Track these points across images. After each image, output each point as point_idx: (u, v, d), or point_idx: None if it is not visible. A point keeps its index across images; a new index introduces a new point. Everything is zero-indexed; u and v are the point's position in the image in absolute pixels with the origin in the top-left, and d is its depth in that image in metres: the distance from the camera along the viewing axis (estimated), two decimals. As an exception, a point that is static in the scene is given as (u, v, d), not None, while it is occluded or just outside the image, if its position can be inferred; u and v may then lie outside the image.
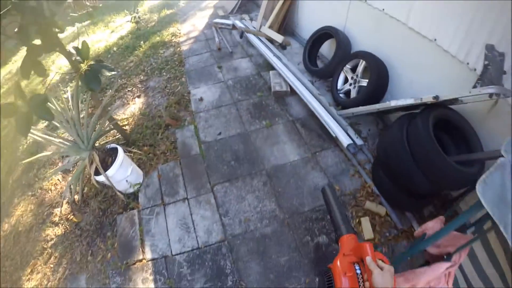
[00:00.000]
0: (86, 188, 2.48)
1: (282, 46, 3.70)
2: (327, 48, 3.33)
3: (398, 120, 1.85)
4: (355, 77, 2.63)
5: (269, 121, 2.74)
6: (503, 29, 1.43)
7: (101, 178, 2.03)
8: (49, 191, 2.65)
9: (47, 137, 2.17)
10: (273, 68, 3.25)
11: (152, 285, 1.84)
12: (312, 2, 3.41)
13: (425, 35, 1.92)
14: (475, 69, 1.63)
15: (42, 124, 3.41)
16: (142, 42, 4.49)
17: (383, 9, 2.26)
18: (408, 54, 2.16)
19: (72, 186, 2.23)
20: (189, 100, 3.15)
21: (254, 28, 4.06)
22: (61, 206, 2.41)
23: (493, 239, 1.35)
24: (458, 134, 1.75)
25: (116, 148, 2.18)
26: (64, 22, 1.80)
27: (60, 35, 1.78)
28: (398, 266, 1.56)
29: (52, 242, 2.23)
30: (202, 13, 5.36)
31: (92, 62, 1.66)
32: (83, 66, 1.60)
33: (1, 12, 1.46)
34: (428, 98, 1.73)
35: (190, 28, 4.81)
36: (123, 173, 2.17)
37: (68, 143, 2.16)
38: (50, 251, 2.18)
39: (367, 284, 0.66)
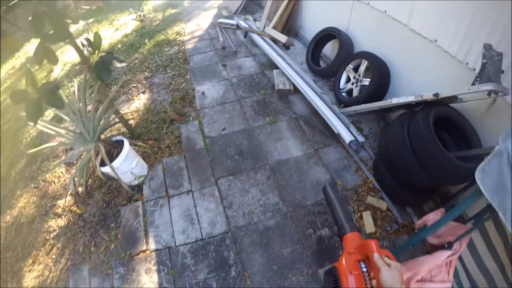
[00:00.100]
0: (90, 180, 2.49)
1: (286, 47, 3.77)
2: (330, 49, 3.40)
3: (399, 117, 1.89)
4: (357, 76, 2.69)
5: (273, 117, 2.79)
6: (503, 29, 1.48)
7: (106, 169, 2.05)
8: (52, 184, 2.66)
9: (53, 127, 2.19)
10: (276, 67, 3.31)
11: (155, 275, 1.85)
12: (316, 4, 3.48)
13: (425, 36, 1.98)
14: (474, 69, 1.68)
15: (47, 118, 3.43)
16: (146, 40, 4.54)
17: (385, 11, 2.33)
18: (409, 54, 2.22)
19: (76, 178, 2.24)
20: (194, 97, 3.19)
21: (258, 28, 4.14)
22: (67, 195, 2.42)
23: (493, 232, 1.36)
24: (458, 132, 1.79)
25: (122, 141, 2.21)
26: (76, 15, 1.84)
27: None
28: (400, 257, 1.60)
29: (55, 233, 2.23)
30: (206, 13, 5.44)
31: (103, 54, 1.70)
32: (95, 57, 1.64)
33: (12, 2, 1.50)
34: (428, 96, 1.78)
35: (194, 27, 4.88)
36: (128, 165, 2.20)
37: (74, 135, 2.18)
38: (52, 242, 2.18)
39: (374, 282, 0.64)
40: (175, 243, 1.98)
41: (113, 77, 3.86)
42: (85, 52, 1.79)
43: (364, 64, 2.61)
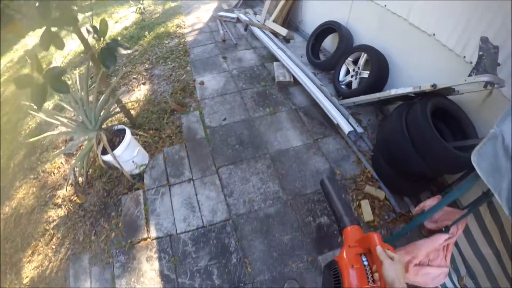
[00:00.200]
0: (90, 170, 2.49)
1: (286, 40, 3.78)
2: (330, 42, 3.42)
3: (398, 108, 1.92)
4: (356, 69, 2.72)
5: (273, 108, 2.82)
6: (500, 24, 1.50)
7: (108, 157, 2.06)
8: (52, 174, 2.65)
9: (56, 116, 2.19)
10: (276, 59, 3.32)
11: (156, 262, 1.87)
12: (317, -3, 3.49)
13: (424, 30, 2.00)
14: (471, 62, 1.70)
15: (48, 108, 3.41)
16: (146, 33, 4.51)
17: (385, 5, 2.35)
18: (407, 48, 2.25)
19: (76, 168, 2.23)
20: (194, 88, 3.20)
21: (258, 22, 4.14)
22: (67, 185, 2.41)
23: (488, 219, 1.40)
24: (455, 124, 1.82)
25: (124, 129, 2.22)
26: (81, 6, 1.83)
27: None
28: (397, 242, 1.64)
29: (55, 223, 2.21)
30: (207, 6, 5.41)
31: (108, 41, 1.71)
32: (100, 44, 1.64)
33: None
34: (426, 87, 1.81)
35: (194, 20, 4.86)
36: (130, 154, 2.21)
37: (76, 124, 2.18)
38: (52, 232, 2.16)
39: (375, 275, 0.63)
40: (176, 231, 2.00)
41: (113, 69, 3.85)
42: (90, 40, 1.78)
43: (363, 57, 2.64)
